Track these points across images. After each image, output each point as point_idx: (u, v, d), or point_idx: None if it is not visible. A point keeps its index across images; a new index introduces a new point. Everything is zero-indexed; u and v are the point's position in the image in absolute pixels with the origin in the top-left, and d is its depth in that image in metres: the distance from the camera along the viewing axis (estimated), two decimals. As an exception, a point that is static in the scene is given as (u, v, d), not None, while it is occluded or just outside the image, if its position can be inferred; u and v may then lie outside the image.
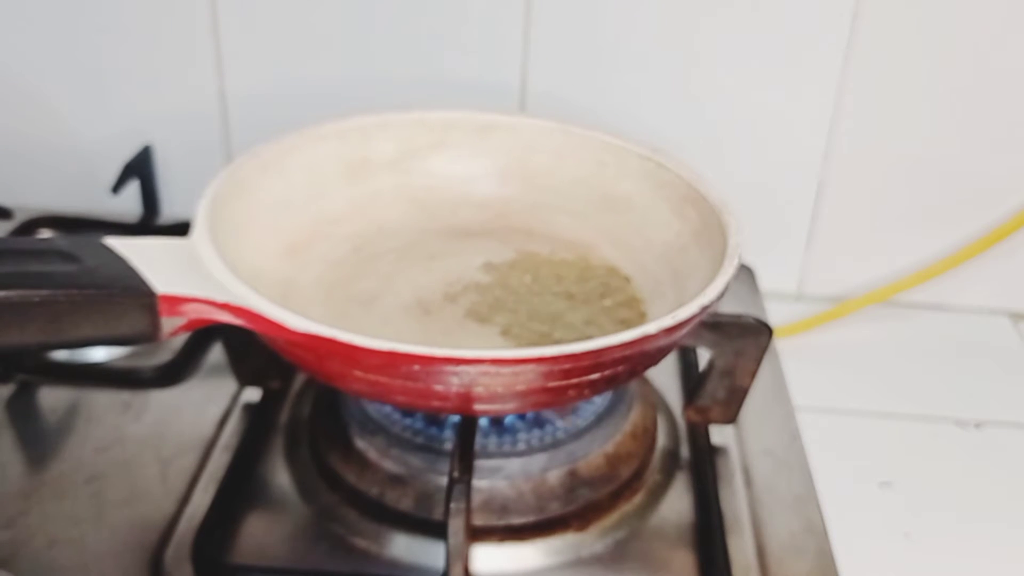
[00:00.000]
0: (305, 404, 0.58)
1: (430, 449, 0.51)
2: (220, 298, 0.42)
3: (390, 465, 0.51)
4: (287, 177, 0.55)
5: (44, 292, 0.39)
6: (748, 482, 0.54)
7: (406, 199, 0.59)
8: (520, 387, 0.42)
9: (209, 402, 0.58)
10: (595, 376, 0.43)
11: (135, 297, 0.41)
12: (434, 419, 0.52)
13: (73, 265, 0.41)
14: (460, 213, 0.60)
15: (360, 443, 0.52)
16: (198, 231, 0.46)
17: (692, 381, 0.59)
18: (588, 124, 0.59)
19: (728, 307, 0.48)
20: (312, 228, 0.56)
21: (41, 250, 0.42)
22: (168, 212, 0.77)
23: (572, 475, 0.51)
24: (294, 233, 0.54)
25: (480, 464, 0.49)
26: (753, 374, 0.52)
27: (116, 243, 0.43)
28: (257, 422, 0.56)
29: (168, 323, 0.42)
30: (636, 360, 0.45)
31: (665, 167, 0.56)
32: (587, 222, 0.59)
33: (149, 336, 0.41)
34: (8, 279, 0.39)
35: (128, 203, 0.74)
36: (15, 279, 0.39)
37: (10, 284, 0.39)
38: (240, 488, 0.52)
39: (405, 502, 0.50)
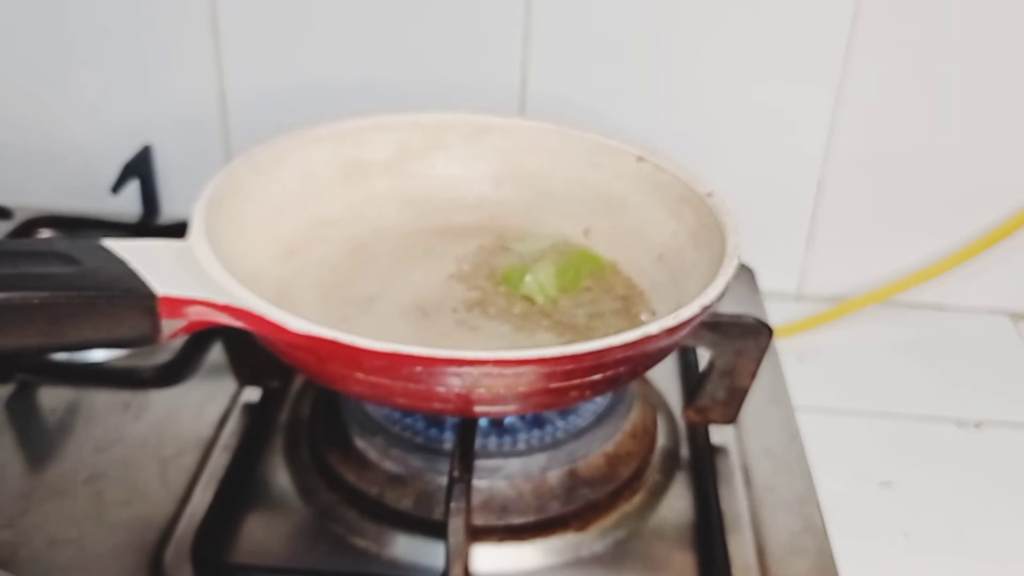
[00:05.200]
0: (305, 404, 0.58)
1: (430, 449, 0.51)
2: (220, 300, 0.42)
3: (390, 465, 0.51)
4: (283, 179, 0.55)
5: (44, 294, 0.39)
6: (748, 482, 0.54)
7: (402, 201, 0.59)
8: (522, 388, 0.42)
9: (209, 402, 0.58)
10: (597, 377, 0.43)
11: (136, 299, 0.41)
12: (434, 419, 0.52)
13: (73, 267, 0.41)
14: (455, 215, 0.60)
15: (360, 443, 0.52)
16: (195, 233, 0.46)
17: (692, 381, 0.59)
18: (584, 125, 0.59)
19: (728, 307, 0.48)
20: (308, 230, 0.56)
21: (40, 252, 0.41)
22: (168, 212, 0.77)
23: (572, 475, 0.51)
24: (290, 235, 0.54)
25: (480, 464, 0.49)
26: (753, 374, 0.52)
27: (115, 245, 0.43)
28: (257, 422, 0.56)
29: (168, 325, 0.42)
30: (638, 360, 0.45)
31: (661, 168, 0.56)
32: (583, 223, 0.59)
33: (149, 338, 0.41)
34: (7, 281, 0.39)
35: (128, 203, 0.74)
36: (14, 281, 0.39)
37: (9, 286, 0.39)
38: (240, 488, 0.52)
39: (405, 502, 0.50)
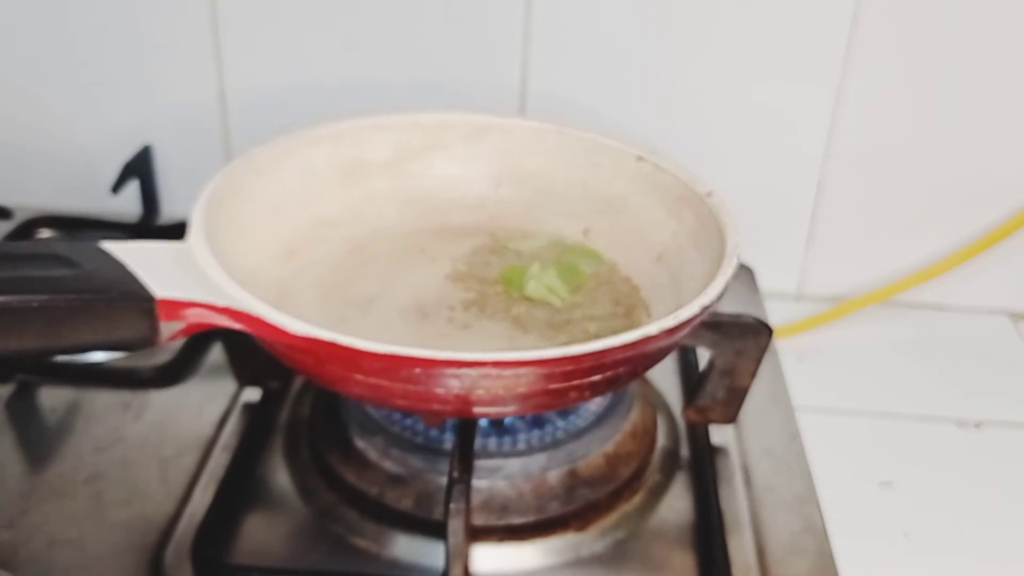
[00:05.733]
0: (305, 404, 0.58)
1: (430, 449, 0.51)
2: (219, 302, 0.42)
3: (390, 465, 0.51)
4: (282, 180, 0.55)
5: (42, 297, 0.39)
6: (748, 482, 0.54)
7: (401, 201, 0.59)
8: (521, 389, 0.42)
9: (209, 402, 0.58)
10: (596, 377, 0.43)
11: (134, 302, 0.41)
12: (434, 419, 0.52)
13: (71, 269, 0.41)
14: (455, 215, 0.60)
15: (360, 443, 0.52)
16: (194, 235, 0.46)
17: (692, 381, 0.59)
18: (583, 125, 0.59)
19: (728, 307, 0.48)
20: (308, 231, 0.56)
21: (38, 254, 0.41)
22: (168, 212, 0.77)
23: (572, 475, 0.51)
24: (290, 236, 0.54)
25: (480, 464, 0.49)
26: (753, 374, 0.52)
27: (114, 247, 0.43)
28: (257, 422, 0.56)
29: (167, 327, 0.42)
30: (637, 361, 0.45)
31: (661, 168, 0.56)
32: (582, 223, 0.59)
33: (148, 341, 0.41)
34: (5, 284, 0.39)
35: (128, 203, 0.74)
36: (12, 284, 0.39)
37: (7, 289, 0.39)
38: (240, 488, 0.52)
39: (405, 502, 0.50)
